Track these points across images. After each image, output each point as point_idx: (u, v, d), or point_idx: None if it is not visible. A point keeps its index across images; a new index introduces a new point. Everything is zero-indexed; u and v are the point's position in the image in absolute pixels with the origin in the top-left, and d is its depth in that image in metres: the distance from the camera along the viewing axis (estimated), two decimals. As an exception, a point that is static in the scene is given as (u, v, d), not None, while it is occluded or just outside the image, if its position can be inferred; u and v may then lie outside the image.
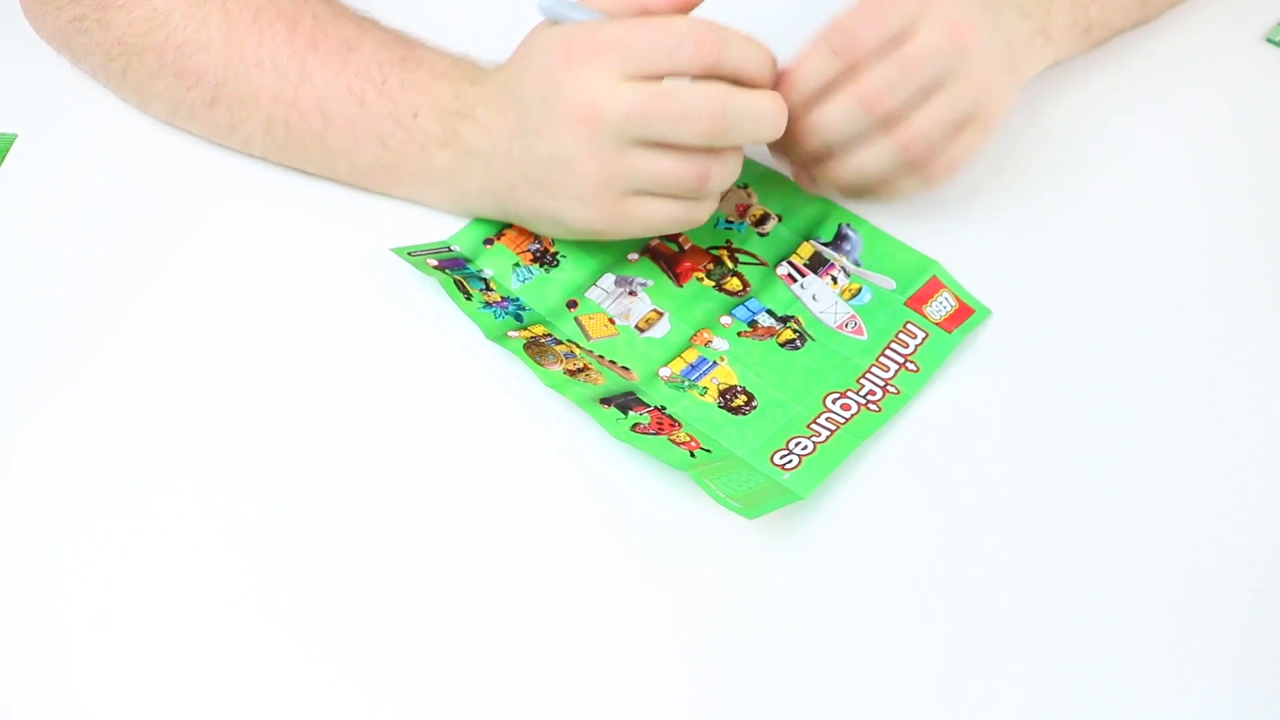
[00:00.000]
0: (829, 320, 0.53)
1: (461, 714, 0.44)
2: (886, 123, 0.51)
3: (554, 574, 0.47)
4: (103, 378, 0.52)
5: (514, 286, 0.54)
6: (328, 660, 0.45)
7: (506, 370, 0.52)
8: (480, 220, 0.56)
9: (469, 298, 0.52)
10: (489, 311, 0.52)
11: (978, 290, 0.54)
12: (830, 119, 0.51)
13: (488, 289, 0.53)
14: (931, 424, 0.50)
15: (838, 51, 0.50)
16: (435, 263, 0.53)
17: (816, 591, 0.47)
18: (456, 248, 0.55)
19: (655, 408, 0.50)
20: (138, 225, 0.57)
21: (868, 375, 0.51)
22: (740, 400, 0.51)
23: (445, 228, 0.56)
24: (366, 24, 0.56)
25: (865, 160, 0.52)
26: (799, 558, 0.47)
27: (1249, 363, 0.52)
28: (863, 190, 0.55)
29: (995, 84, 0.52)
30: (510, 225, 0.55)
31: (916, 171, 0.53)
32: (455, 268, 0.53)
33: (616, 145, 0.48)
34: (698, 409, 0.50)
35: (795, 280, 0.55)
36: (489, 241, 0.55)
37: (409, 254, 0.54)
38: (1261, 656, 0.45)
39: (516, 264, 0.54)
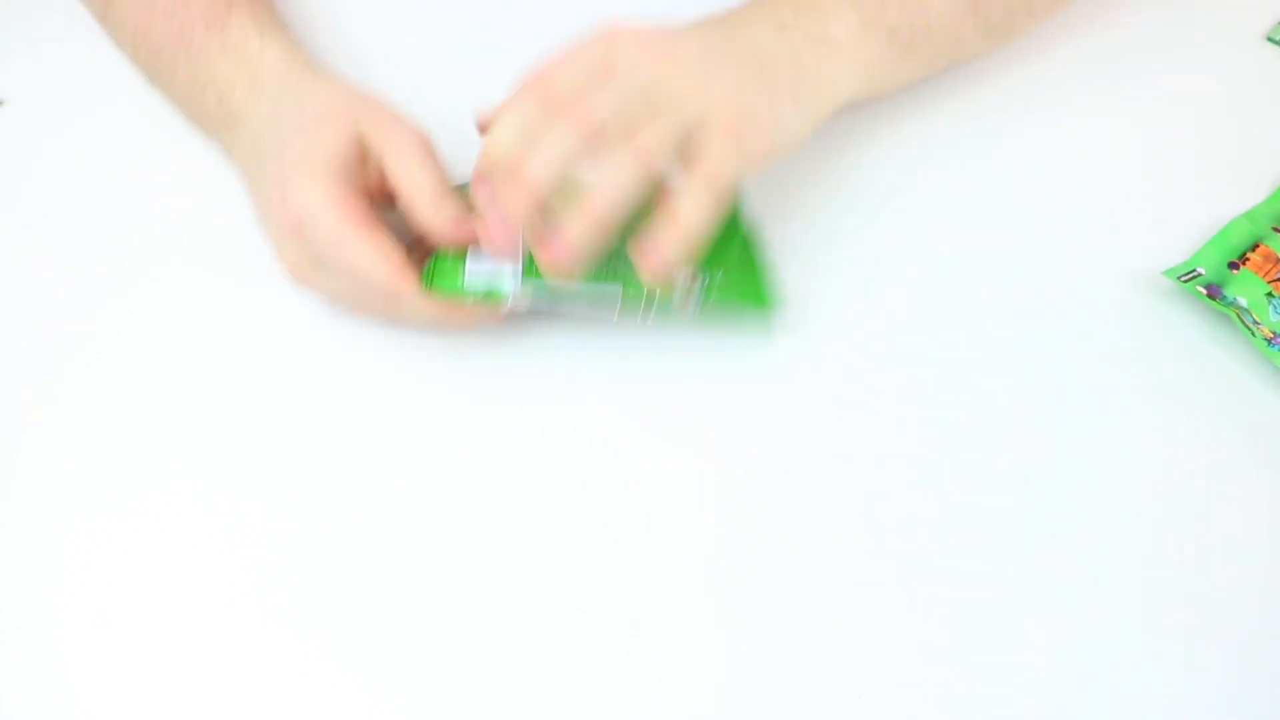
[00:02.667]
0: None
1: (461, 714, 0.44)
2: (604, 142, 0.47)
3: (554, 574, 0.47)
4: (103, 376, 0.52)
5: (1274, 319, 0.51)
6: (328, 660, 0.45)
7: (481, 369, 0.52)
8: (1223, 237, 0.54)
9: (1251, 333, 0.50)
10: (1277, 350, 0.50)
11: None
12: (546, 155, 0.46)
13: (1254, 321, 0.51)
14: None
15: (539, 98, 0.47)
16: (1205, 290, 0.51)
17: (819, 593, 0.47)
18: (1201, 270, 0.53)
19: None
20: (139, 206, 0.57)
21: None
22: None
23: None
24: None
25: (608, 189, 0.46)
26: (801, 558, 0.47)
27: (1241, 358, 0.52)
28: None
29: (725, 94, 0.47)
30: (1257, 246, 0.54)
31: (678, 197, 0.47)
32: (1213, 295, 0.51)
33: (313, 261, 0.50)
34: None
35: None
36: (1234, 266, 0.53)
37: (1179, 278, 0.52)
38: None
39: (1270, 294, 0.52)
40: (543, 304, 0.48)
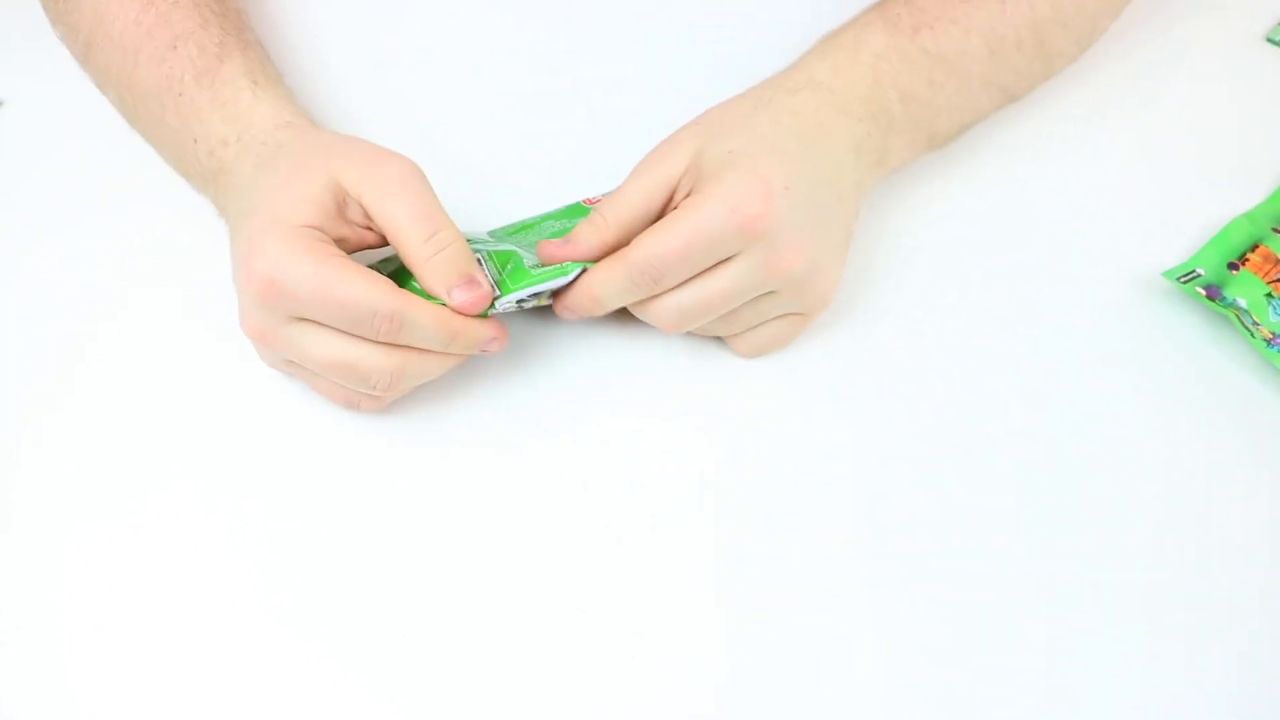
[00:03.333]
0: None
1: (463, 715, 0.44)
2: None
3: (556, 575, 0.47)
4: (104, 376, 0.52)
5: (1273, 320, 0.51)
6: (329, 660, 0.45)
7: (481, 369, 0.52)
8: (1223, 238, 0.54)
9: (1250, 333, 0.50)
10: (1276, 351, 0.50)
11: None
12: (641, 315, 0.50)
13: (1253, 322, 0.51)
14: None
15: (639, 283, 0.47)
16: (1204, 291, 0.51)
17: (822, 594, 0.47)
18: (1201, 270, 0.53)
19: None
20: (140, 207, 0.57)
21: None
22: None
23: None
24: (210, 17, 0.54)
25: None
26: (804, 559, 0.47)
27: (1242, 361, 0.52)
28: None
29: (823, 287, 0.49)
30: (1257, 247, 0.54)
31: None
32: (1212, 296, 0.51)
33: (287, 321, 0.46)
34: None
35: None
36: (1234, 266, 0.53)
37: (1178, 279, 0.52)
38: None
39: (1269, 295, 0.52)
40: (527, 302, 0.48)
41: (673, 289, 0.48)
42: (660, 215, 0.48)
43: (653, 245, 0.46)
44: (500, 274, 0.48)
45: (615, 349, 0.52)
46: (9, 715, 0.44)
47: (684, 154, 0.48)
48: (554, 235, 0.52)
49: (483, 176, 0.58)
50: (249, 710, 0.44)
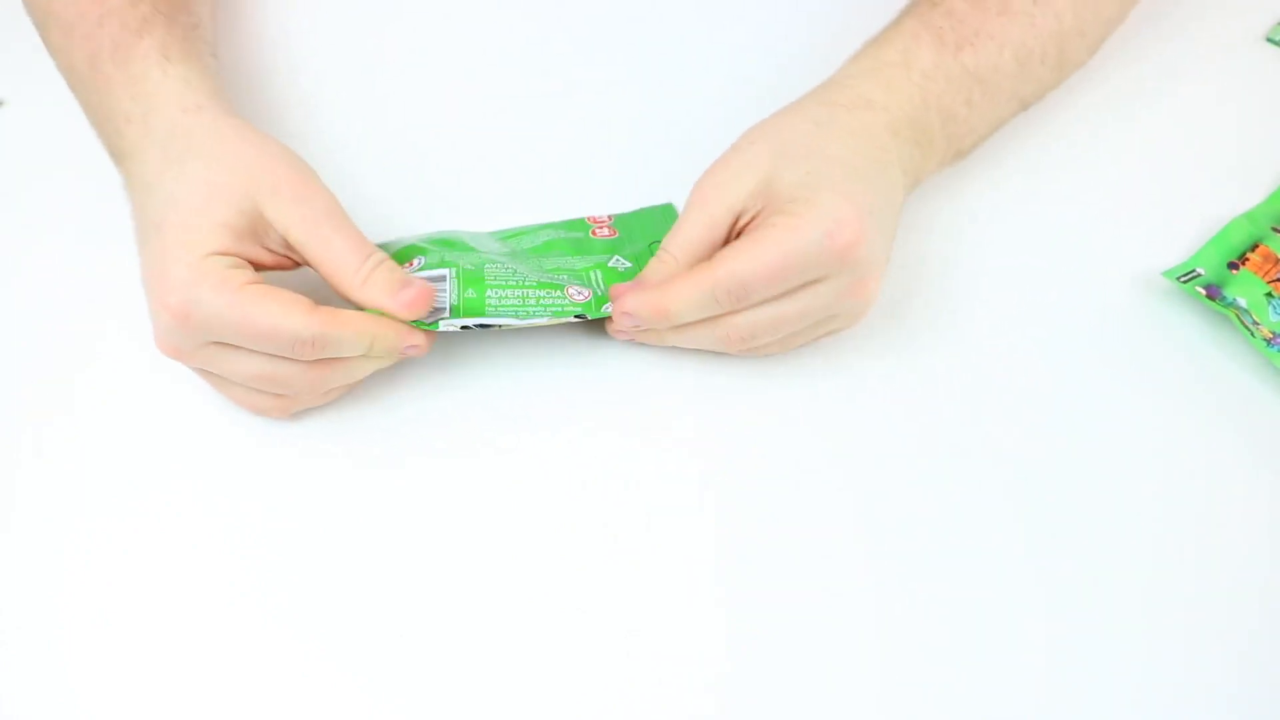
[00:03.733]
0: None
1: (461, 714, 0.44)
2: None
3: (554, 574, 0.47)
4: (103, 375, 0.52)
5: (1273, 319, 0.51)
6: (328, 660, 0.45)
7: (476, 364, 0.52)
8: (1223, 238, 0.54)
9: (1251, 333, 0.50)
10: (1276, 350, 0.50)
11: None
12: (696, 341, 0.50)
13: (1253, 321, 0.51)
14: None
15: (722, 301, 0.47)
16: (1204, 291, 0.51)
17: (820, 592, 0.47)
18: (1201, 270, 0.53)
19: None
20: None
21: None
22: None
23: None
24: None
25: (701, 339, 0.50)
26: (802, 558, 0.47)
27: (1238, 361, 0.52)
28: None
29: (875, 298, 0.49)
30: (1257, 247, 0.54)
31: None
32: (1212, 296, 0.52)
33: (204, 345, 0.46)
34: None
35: None
36: (1234, 266, 0.53)
37: (1178, 278, 0.52)
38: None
39: (1269, 294, 0.52)
40: (472, 330, 0.48)
41: (749, 308, 0.47)
42: (725, 241, 0.48)
43: (743, 264, 0.45)
44: (460, 296, 0.48)
45: (614, 346, 0.52)
46: (9, 715, 0.44)
47: (749, 178, 0.47)
48: (548, 244, 0.52)
49: (473, 179, 0.58)
50: (247, 709, 0.44)
